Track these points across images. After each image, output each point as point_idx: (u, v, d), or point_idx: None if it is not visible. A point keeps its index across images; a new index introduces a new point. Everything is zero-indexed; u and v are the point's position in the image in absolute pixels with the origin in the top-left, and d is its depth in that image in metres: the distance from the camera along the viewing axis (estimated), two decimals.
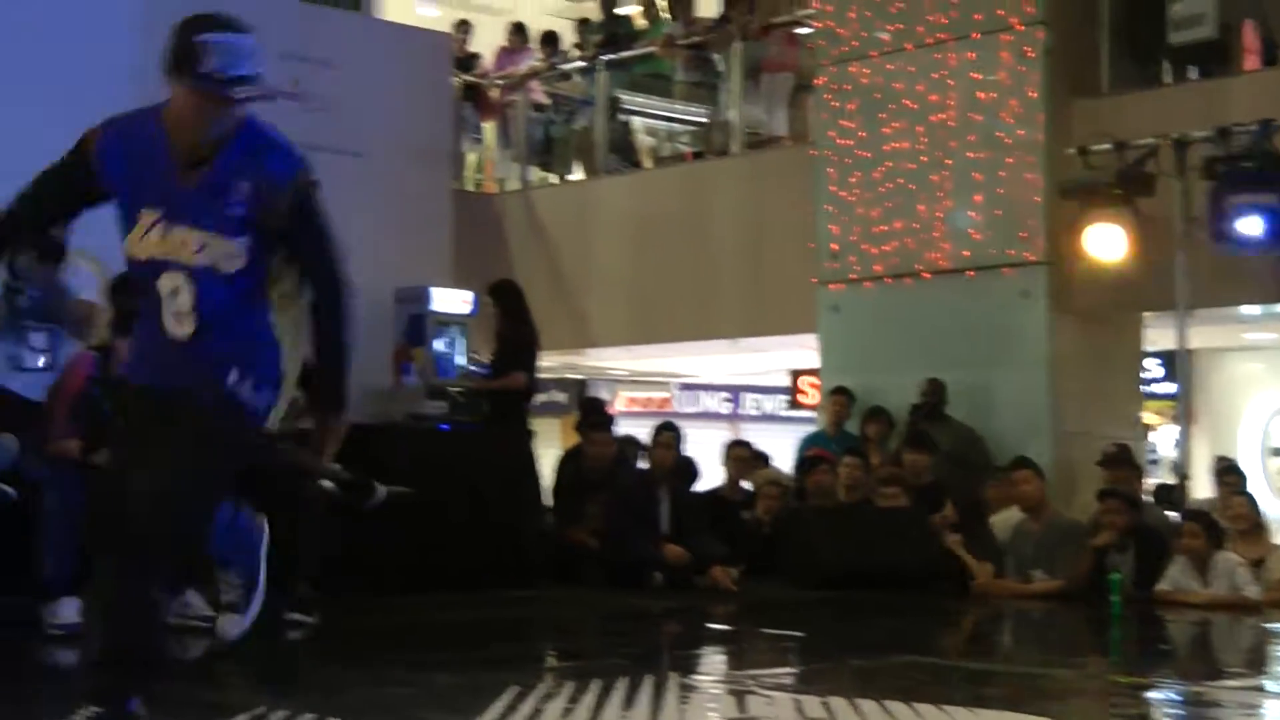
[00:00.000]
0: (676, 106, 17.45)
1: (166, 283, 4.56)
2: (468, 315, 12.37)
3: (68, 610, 8.25)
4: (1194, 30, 13.09)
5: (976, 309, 13.48)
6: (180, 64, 4.59)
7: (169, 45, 4.64)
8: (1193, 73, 13.39)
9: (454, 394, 11.83)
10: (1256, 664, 8.28)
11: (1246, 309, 13.04)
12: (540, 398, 21.93)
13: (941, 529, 11.88)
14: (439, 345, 12.01)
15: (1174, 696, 7.09)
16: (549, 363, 19.92)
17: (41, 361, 9.36)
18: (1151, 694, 7.15)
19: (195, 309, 4.59)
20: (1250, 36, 13.40)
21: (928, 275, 13.83)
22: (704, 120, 17.14)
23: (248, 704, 5.69)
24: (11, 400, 9.31)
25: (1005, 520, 11.94)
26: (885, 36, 14.25)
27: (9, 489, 8.76)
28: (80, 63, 11.07)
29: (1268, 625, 9.81)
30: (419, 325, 11.96)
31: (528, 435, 12.29)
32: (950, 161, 13.74)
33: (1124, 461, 12.24)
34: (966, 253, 13.62)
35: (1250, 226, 11.94)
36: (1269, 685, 7.37)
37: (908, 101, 14.02)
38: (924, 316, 13.72)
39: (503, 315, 12.17)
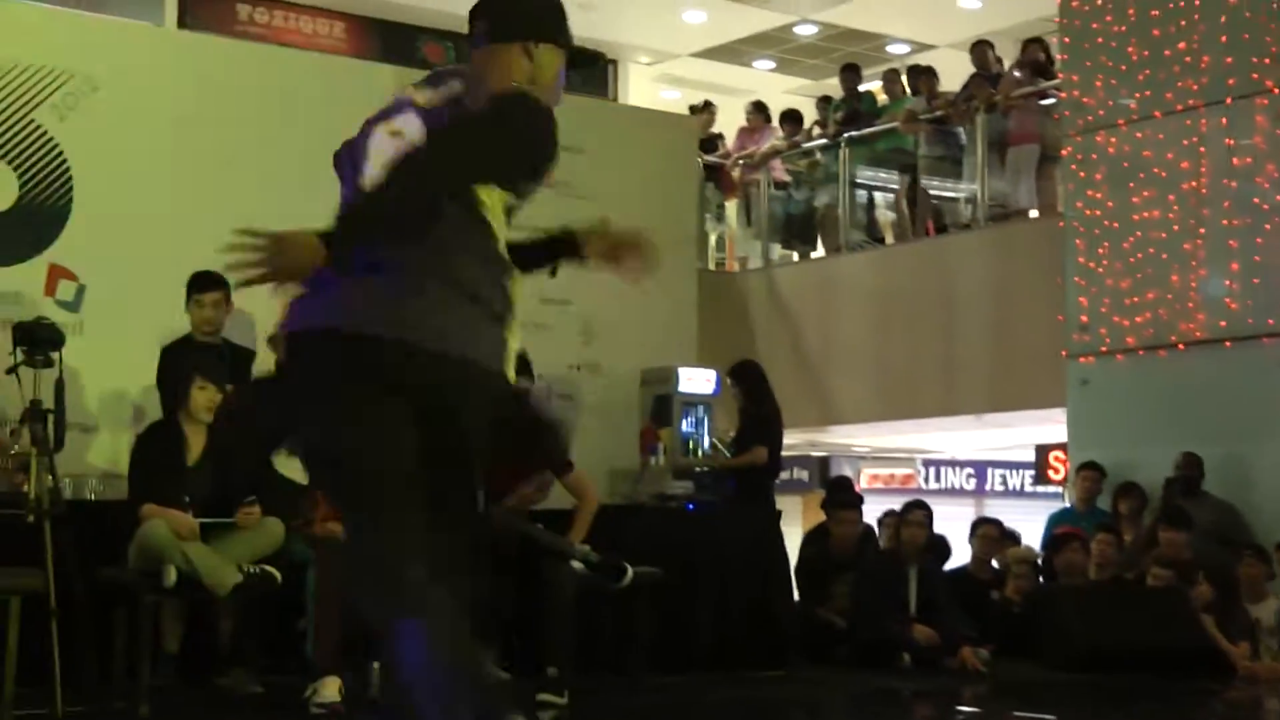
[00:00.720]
0: (921, 181, 17.29)
1: None
2: (712, 395, 12.35)
3: (329, 690, 8.29)
4: None
5: (1234, 380, 13.17)
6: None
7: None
8: None
9: (700, 473, 11.76)
10: None
11: None
12: (783, 475, 21.91)
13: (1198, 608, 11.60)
14: (685, 425, 11.97)
15: None
16: (792, 440, 19.83)
17: None
18: None
19: None
20: None
21: (1182, 346, 13.53)
22: (951, 195, 16.95)
23: None
24: (280, 484, 9.40)
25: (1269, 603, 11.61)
26: (1132, 104, 14.04)
27: (273, 570, 8.84)
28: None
29: None
30: (665, 406, 11.95)
31: (774, 513, 12.20)
32: (1203, 230, 13.47)
33: None
34: (1223, 322, 13.32)
35: None
36: None
37: (1157, 170, 13.79)
38: (1178, 388, 13.45)
39: (745, 395, 12.16)
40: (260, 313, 9.72)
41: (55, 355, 8.37)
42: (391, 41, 20.00)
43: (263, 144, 11.04)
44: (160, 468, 8.96)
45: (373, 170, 4.12)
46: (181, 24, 18.54)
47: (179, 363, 9.21)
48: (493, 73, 4.34)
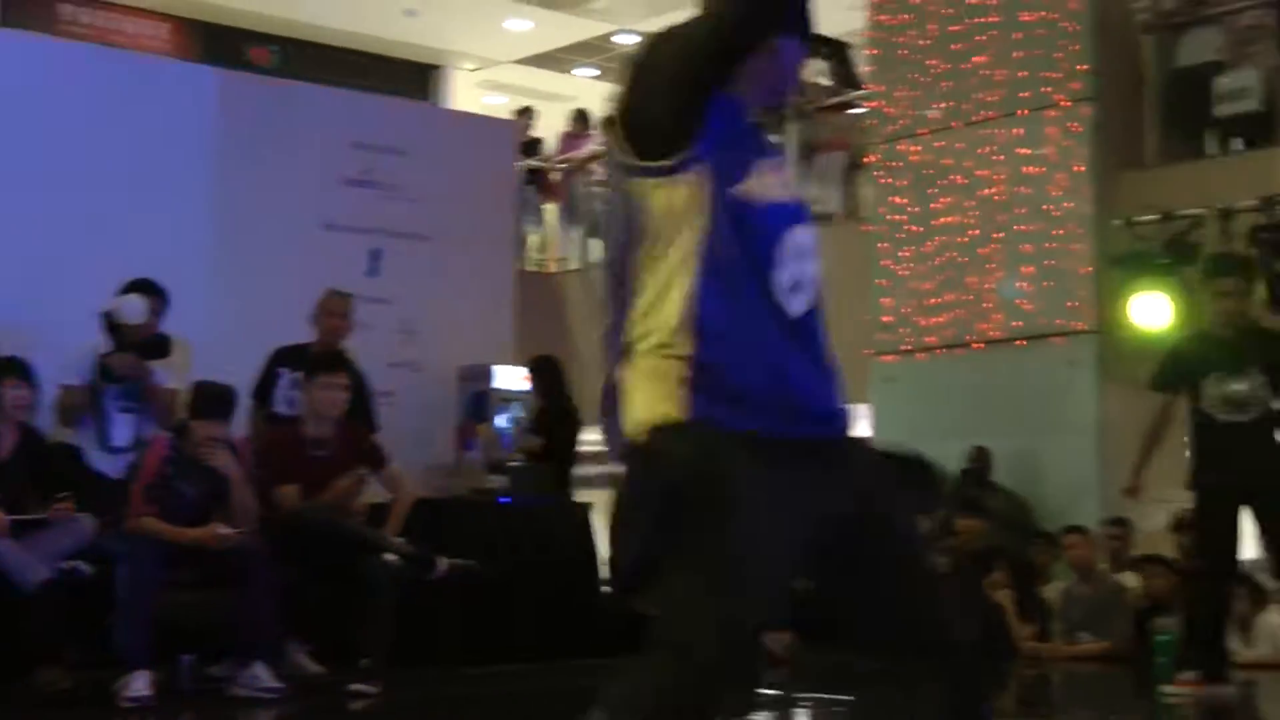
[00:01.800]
0: None
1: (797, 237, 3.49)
2: (529, 392, 12.38)
3: (139, 683, 8.23)
4: (1239, 103, 13.06)
5: (1027, 377, 13.42)
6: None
7: None
8: (1238, 144, 13.33)
9: (515, 468, 11.84)
10: None
11: None
12: (598, 469, 21.95)
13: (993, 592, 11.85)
14: (501, 421, 12.05)
15: None
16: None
17: (125, 442, 9.53)
18: None
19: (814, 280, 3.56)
20: None
21: (979, 345, 13.78)
22: None
23: None
24: (97, 480, 9.41)
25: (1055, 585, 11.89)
26: (934, 115, 14.25)
27: (83, 565, 8.81)
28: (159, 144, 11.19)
29: None
30: (481, 402, 12.04)
31: (584, 505, 12.28)
32: (1000, 234, 13.71)
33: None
34: (1017, 323, 13.56)
35: None
36: None
37: (957, 177, 14.00)
38: (975, 386, 13.67)
39: (537, 389, 12.17)
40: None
41: None
42: (217, 44, 19.88)
43: (87, 143, 10.99)
44: None
45: None
46: (3, 23, 18.35)
47: None
48: None
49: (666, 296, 3.32)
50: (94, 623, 9.48)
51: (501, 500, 11.63)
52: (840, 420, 3.48)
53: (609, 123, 3.57)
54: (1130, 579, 11.67)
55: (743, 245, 3.36)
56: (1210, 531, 9.22)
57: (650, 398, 3.26)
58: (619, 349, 3.38)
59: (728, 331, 3.28)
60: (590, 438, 11.99)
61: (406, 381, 11.99)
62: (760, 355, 3.32)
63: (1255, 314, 9.35)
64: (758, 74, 3.49)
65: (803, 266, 3.46)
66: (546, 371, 12.31)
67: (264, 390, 10.30)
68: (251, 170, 11.52)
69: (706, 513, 3.15)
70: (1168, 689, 8.94)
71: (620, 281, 3.44)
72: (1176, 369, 9.38)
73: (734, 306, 3.31)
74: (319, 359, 9.81)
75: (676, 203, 3.36)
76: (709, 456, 3.15)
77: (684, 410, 3.21)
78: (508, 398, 12.11)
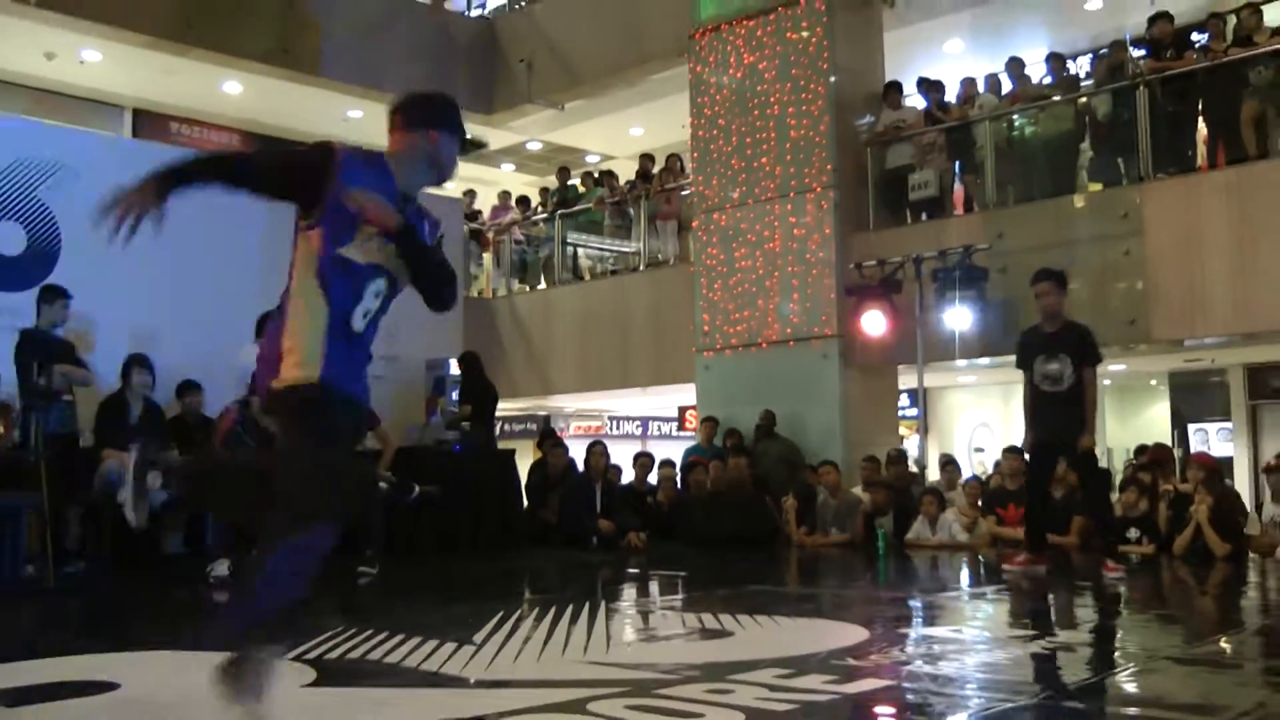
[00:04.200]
0: (606, 241, 17.54)
1: (373, 286, 3.73)
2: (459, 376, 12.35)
3: (221, 567, 8.31)
4: (924, 190, 13.33)
5: (795, 366, 13.58)
6: (440, 120, 3.89)
7: (426, 102, 3.93)
8: (923, 217, 13.55)
9: (461, 428, 11.85)
10: (965, 582, 8.36)
11: (958, 361, 13.20)
12: (516, 427, 21.96)
13: (783, 504, 11.99)
14: (454, 396, 12.04)
15: (917, 603, 7.15)
16: (524, 404, 19.96)
17: None
18: (905, 601, 7.21)
19: (379, 311, 3.82)
20: (959, 194, 13.65)
21: (765, 345, 13.92)
22: (624, 250, 17.21)
23: (333, 624, 5.69)
24: (197, 436, 9.43)
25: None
26: (735, 194, 14.37)
27: None
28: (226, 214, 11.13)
29: (977, 559, 9.91)
30: (441, 383, 12.00)
31: (509, 452, 12.34)
32: (777, 274, 13.85)
33: (897, 460, 12.42)
34: (789, 330, 13.72)
35: (959, 314, 12.20)
36: (970, 590, 7.46)
37: (750, 236, 14.14)
38: (762, 371, 13.82)
39: (463, 375, 12.13)
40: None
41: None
42: (268, 146, 19.72)
43: (185, 213, 10.91)
44: (112, 425, 8.91)
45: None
46: (134, 134, 18.15)
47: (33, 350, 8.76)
48: (402, 152, 3.84)
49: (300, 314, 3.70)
50: (193, 527, 9.53)
51: (455, 448, 11.68)
52: (363, 392, 3.82)
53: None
54: (864, 494, 11.88)
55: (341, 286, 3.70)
56: (1034, 469, 8.88)
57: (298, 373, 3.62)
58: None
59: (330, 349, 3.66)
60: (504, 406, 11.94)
61: (390, 369, 11.96)
62: (340, 355, 3.67)
63: (1066, 310, 8.83)
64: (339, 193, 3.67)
65: (371, 303, 3.76)
66: (470, 363, 12.27)
67: None
68: (286, 231, 11.46)
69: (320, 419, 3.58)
70: (1004, 567, 8.67)
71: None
72: (1021, 353, 8.79)
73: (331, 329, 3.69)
74: None
75: (305, 248, 3.72)
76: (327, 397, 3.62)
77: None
78: (458, 380, 12.09)
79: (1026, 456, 9.16)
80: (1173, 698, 4.18)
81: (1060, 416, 8.45)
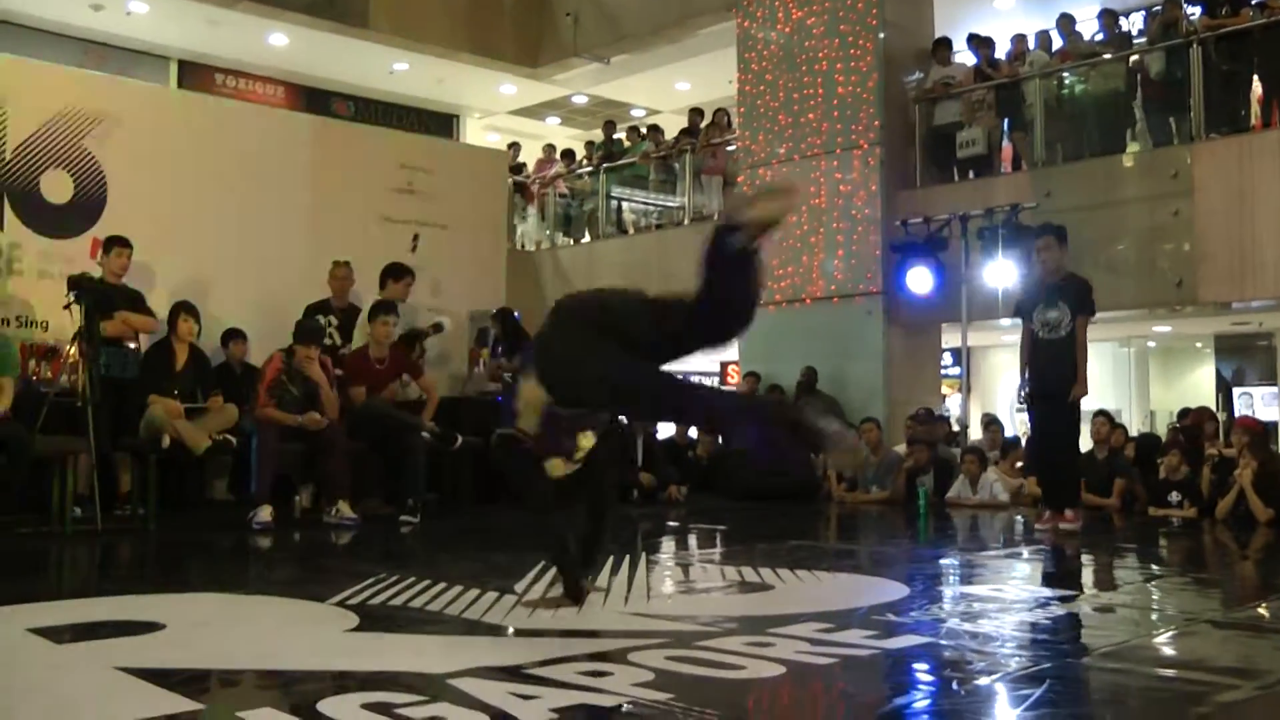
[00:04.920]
0: (651, 196, 17.52)
1: None
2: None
3: (263, 514, 8.36)
4: (972, 148, 13.24)
5: (839, 323, 13.57)
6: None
7: None
8: (971, 174, 13.47)
9: (504, 379, 11.87)
10: (1004, 541, 8.34)
11: (1004, 320, 13.13)
12: None
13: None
14: (497, 350, 12.05)
15: (956, 561, 7.14)
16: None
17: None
18: (944, 560, 7.20)
19: None
20: (1007, 152, 13.53)
21: (808, 301, 13.89)
22: (668, 204, 17.19)
23: (375, 572, 5.74)
24: (240, 383, 9.51)
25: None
26: (781, 150, 14.33)
27: (231, 437, 8.87)
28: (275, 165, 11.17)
29: (1015, 518, 9.89)
30: (485, 335, 12.01)
31: None
32: (822, 230, 13.82)
33: (927, 418, 12.38)
34: (833, 287, 13.70)
35: (1005, 273, 12.10)
36: (1009, 550, 7.44)
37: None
38: (805, 327, 13.79)
39: (501, 330, 12.11)
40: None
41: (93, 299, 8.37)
42: (313, 100, 19.81)
43: (229, 166, 10.99)
44: (158, 372, 8.98)
45: None
46: (179, 85, 18.23)
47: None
48: None
49: None
50: (237, 474, 9.62)
51: (498, 399, 11.67)
52: None
53: None
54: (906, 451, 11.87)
55: None
56: (1036, 420, 9.09)
57: None
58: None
59: None
60: None
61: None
62: None
63: (1066, 264, 9.03)
64: None
65: None
66: (503, 319, 12.24)
67: None
68: (335, 183, 11.52)
69: None
70: (1037, 526, 8.79)
71: None
72: (1021, 303, 9.13)
73: None
74: (377, 305, 9.84)
75: None
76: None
77: None
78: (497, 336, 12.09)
79: (1025, 409, 9.34)
80: (1211, 661, 4.16)
81: (1057, 364, 8.63)
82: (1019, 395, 9.14)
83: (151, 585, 5.78)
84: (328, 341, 9.92)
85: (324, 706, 3.03)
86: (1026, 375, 8.90)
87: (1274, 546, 8.35)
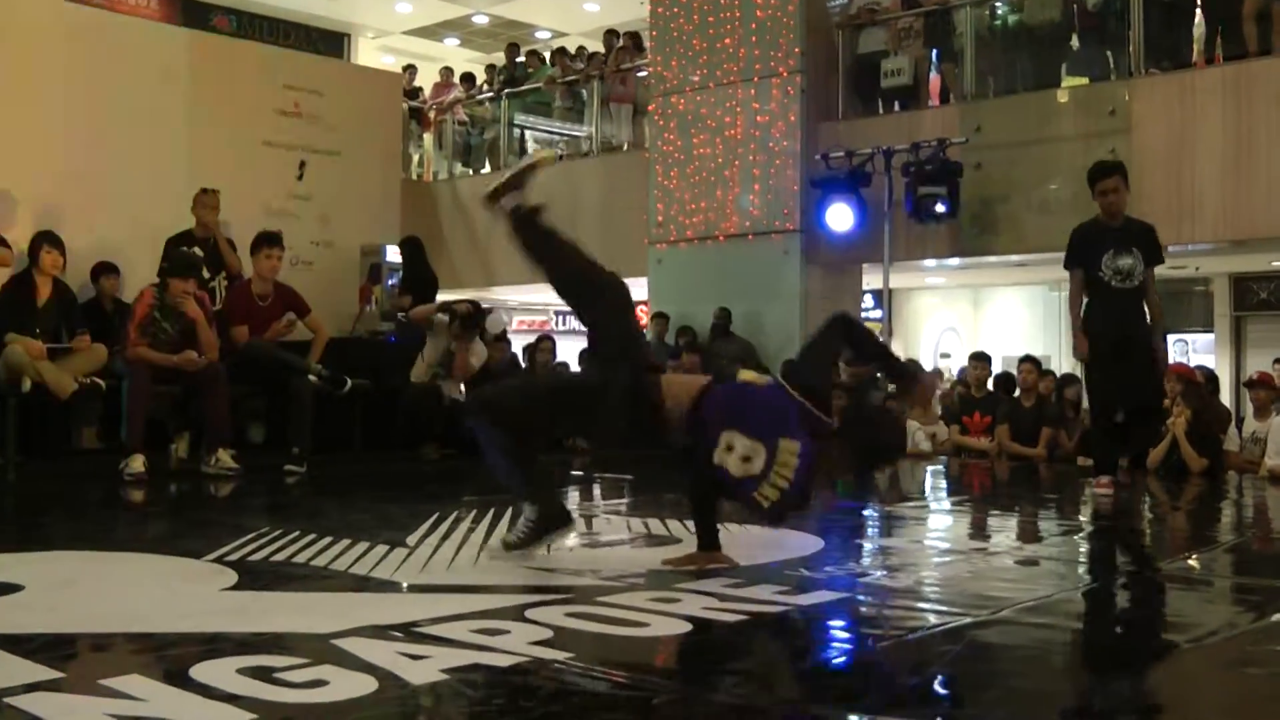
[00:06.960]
0: (556, 124, 17.43)
1: None
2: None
3: (136, 464, 8.20)
4: (898, 79, 13.28)
5: (754, 261, 13.60)
6: None
7: None
8: (896, 106, 13.53)
9: (397, 319, 11.78)
10: (926, 493, 8.41)
11: (927, 262, 13.28)
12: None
13: None
14: (390, 284, 11.97)
15: (875, 513, 7.17)
16: (466, 295, 19.86)
17: None
18: (863, 512, 7.22)
19: None
20: (935, 84, 13.59)
21: (722, 239, 13.92)
22: (575, 134, 17.11)
23: (257, 525, 5.67)
24: (107, 321, 9.31)
25: None
26: (695, 78, 14.29)
27: (99, 380, 8.70)
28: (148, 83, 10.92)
29: (929, 467, 9.98)
30: (377, 271, 11.91)
31: None
32: (738, 163, 13.83)
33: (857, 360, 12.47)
34: (748, 224, 13.72)
35: (931, 207, 12.17)
36: (931, 502, 7.52)
37: (710, 122, 14.08)
38: (719, 266, 13.84)
39: (403, 260, 12.03)
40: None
41: None
42: (191, 13, 19.44)
43: (97, 84, 10.72)
44: (18, 308, 8.78)
45: None
46: None
47: None
48: None
49: None
50: (106, 420, 9.44)
51: (390, 340, 11.60)
52: None
53: None
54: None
55: None
56: (1100, 373, 8.47)
57: None
58: None
59: None
60: (444, 296, 11.87)
61: (324, 254, 11.90)
62: None
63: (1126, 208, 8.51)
64: None
65: None
66: (412, 249, 12.18)
67: None
68: (214, 103, 11.29)
69: None
70: (1097, 492, 8.22)
71: None
72: (1081, 249, 8.47)
73: None
74: (262, 237, 9.66)
75: None
76: None
77: None
78: (395, 268, 11.99)
79: (1080, 364, 8.90)
80: (1138, 615, 4.24)
81: (1136, 314, 8.31)
82: (1075, 352, 8.53)
83: (9, 542, 5.65)
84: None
85: (197, 672, 2.97)
86: (1097, 328, 8.34)
87: (1206, 497, 8.53)
